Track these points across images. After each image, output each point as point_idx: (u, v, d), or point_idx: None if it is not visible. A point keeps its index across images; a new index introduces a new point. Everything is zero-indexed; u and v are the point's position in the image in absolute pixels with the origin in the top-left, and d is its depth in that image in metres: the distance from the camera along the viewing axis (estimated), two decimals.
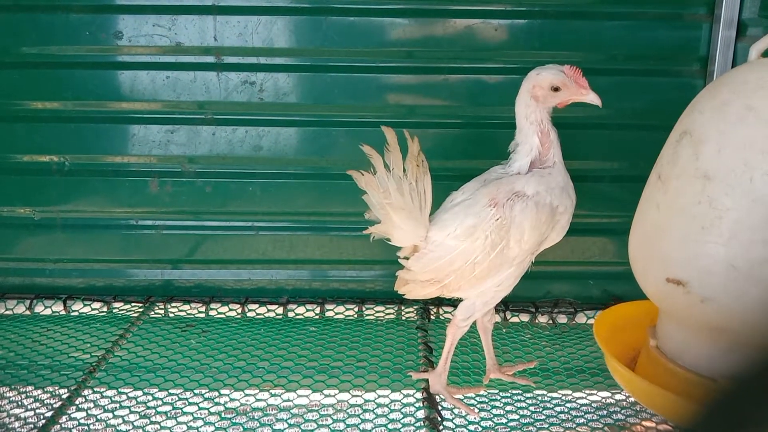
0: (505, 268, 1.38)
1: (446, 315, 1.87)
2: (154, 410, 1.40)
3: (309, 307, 1.92)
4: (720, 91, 1.19)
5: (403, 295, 1.45)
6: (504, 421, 1.37)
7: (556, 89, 1.35)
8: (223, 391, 1.49)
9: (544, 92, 1.36)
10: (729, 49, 1.75)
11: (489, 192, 1.37)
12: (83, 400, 1.44)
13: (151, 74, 1.81)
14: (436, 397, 1.43)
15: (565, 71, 1.36)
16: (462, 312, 1.44)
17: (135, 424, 1.35)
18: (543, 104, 1.37)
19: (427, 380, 1.48)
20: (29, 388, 1.50)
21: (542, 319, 1.87)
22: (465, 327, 1.45)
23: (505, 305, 1.89)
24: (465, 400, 1.44)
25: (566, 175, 1.40)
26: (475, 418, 1.38)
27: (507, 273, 1.39)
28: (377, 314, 1.89)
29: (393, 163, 1.33)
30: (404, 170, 1.34)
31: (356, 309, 1.91)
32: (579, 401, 1.46)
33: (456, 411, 1.40)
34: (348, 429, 1.34)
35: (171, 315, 1.90)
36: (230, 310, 1.92)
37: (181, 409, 1.41)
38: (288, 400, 1.46)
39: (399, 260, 1.44)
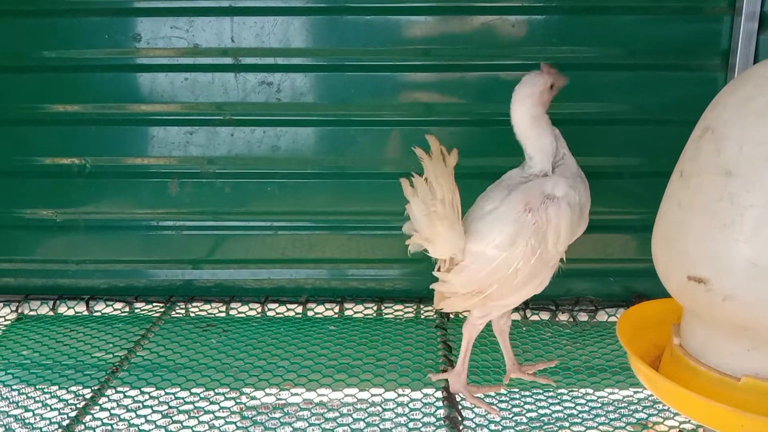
0: (545, 271, 1.39)
1: (465, 313, 1.85)
2: (176, 409, 1.42)
3: (328, 306, 1.93)
4: (743, 86, 1.17)
5: (442, 309, 1.43)
6: (524, 420, 1.37)
7: (551, 86, 1.40)
8: (244, 390, 1.50)
9: (547, 94, 1.40)
10: (751, 42, 1.72)
11: (522, 198, 1.35)
12: (106, 399, 1.46)
13: (169, 76, 1.83)
14: (457, 396, 1.42)
15: (543, 69, 1.41)
16: (479, 311, 1.43)
17: (157, 423, 1.36)
18: (545, 107, 1.40)
19: (446, 380, 1.47)
20: (54, 387, 1.52)
21: (563, 318, 1.86)
22: (480, 325, 1.45)
23: (525, 304, 1.87)
24: (485, 399, 1.43)
25: (576, 164, 1.43)
26: (496, 417, 1.37)
27: (544, 275, 1.40)
28: (396, 313, 1.89)
29: (436, 172, 1.30)
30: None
31: (375, 308, 1.91)
32: (601, 400, 1.45)
33: (477, 410, 1.39)
34: (368, 428, 1.34)
35: (192, 315, 1.91)
36: (250, 309, 1.93)
37: (203, 408, 1.43)
38: (308, 399, 1.46)
39: (434, 274, 1.41)
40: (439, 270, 1.40)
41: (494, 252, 1.34)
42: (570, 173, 1.40)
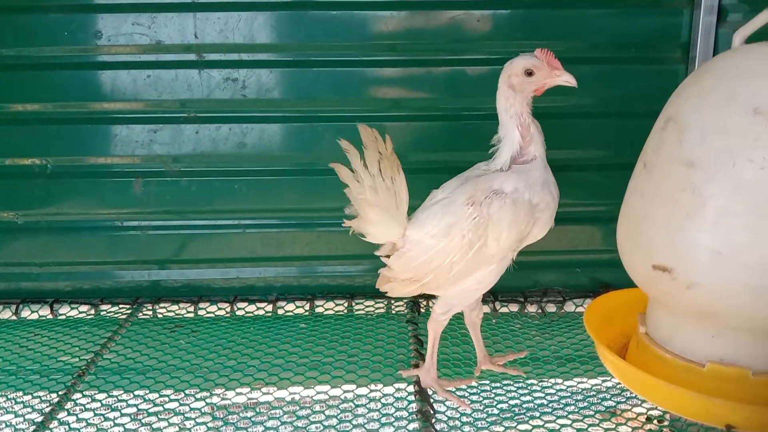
0: (484, 267, 1.37)
1: None
2: (145, 412, 1.39)
3: (299, 303, 1.92)
4: (703, 78, 1.19)
5: (386, 293, 1.45)
6: (496, 411, 1.38)
7: (529, 73, 1.34)
8: (214, 391, 1.48)
9: (520, 79, 1.34)
10: (710, 35, 1.76)
11: (467, 190, 1.36)
12: (73, 404, 1.43)
13: (132, 73, 1.79)
14: (428, 390, 1.43)
15: (537, 54, 1.34)
16: (440, 306, 1.44)
17: (126, 426, 1.34)
18: (521, 93, 1.35)
19: (417, 376, 1.48)
20: (18, 393, 1.48)
21: (531, 309, 1.88)
22: (444, 321, 1.45)
23: (494, 296, 1.89)
24: (456, 392, 1.44)
25: (547, 170, 1.38)
26: (466, 410, 1.38)
27: (487, 271, 1.38)
28: (367, 309, 1.89)
29: (368, 160, 1.33)
30: (379, 169, 1.34)
31: (346, 304, 1.91)
32: (570, 389, 1.47)
33: (448, 403, 1.40)
34: (341, 424, 1.34)
35: (159, 316, 1.89)
36: (219, 309, 1.91)
37: (173, 409, 1.40)
38: (280, 398, 1.46)
39: (381, 259, 1.44)
40: (388, 256, 1.42)
41: (431, 241, 1.36)
42: (535, 174, 1.35)
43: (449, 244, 1.34)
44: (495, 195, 1.32)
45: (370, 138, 1.33)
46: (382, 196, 1.35)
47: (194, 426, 1.35)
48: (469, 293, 1.43)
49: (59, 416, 1.38)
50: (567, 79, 1.34)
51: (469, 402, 1.41)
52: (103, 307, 1.91)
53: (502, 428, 1.32)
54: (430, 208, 1.40)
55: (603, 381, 1.49)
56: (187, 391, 1.47)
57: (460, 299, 1.44)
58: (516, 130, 1.36)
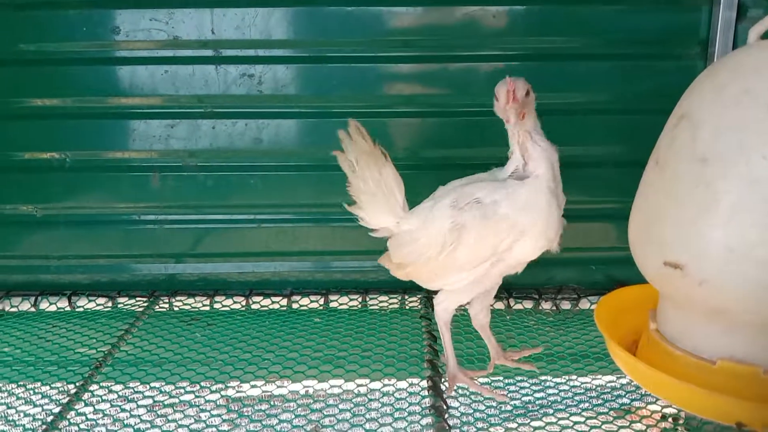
0: (455, 273, 1.38)
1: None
2: (161, 403, 1.41)
3: (313, 298, 1.93)
4: (718, 74, 1.18)
5: (389, 270, 1.54)
6: (509, 407, 1.38)
7: (496, 98, 1.29)
8: (229, 383, 1.50)
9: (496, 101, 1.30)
10: (729, 31, 1.74)
11: (456, 194, 1.37)
12: (90, 395, 1.45)
13: (149, 69, 1.81)
14: (442, 385, 1.43)
15: (507, 83, 1.26)
16: (437, 297, 1.48)
17: (142, 417, 1.36)
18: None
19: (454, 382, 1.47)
20: (36, 384, 1.50)
21: (546, 306, 1.87)
22: (444, 313, 1.46)
23: (508, 292, 1.89)
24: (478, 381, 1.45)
25: (542, 192, 1.30)
26: (503, 399, 1.39)
27: (458, 277, 1.39)
28: (381, 304, 1.90)
29: (353, 154, 1.44)
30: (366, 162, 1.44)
31: (360, 299, 1.92)
32: (584, 386, 1.47)
33: (461, 399, 1.40)
34: (354, 417, 1.34)
35: (176, 309, 1.91)
36: (234, 302, 1.92)
37: (188, 401, 1.42)
38: (294, 391, 1.47)
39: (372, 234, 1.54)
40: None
41: (415, 234, 1.42)
42: (522, 192, 1.30)
43: (427, 241, 1.38)
44: (475, 203, 1.32)
45: (355, 133, 1.43)
46: (372, 185, 1.44)
47: (209, 418, 1.36)
48: (453, 294, 1.44)
49: (76, 407, 1.40)
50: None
51: (501, 391, 1.43)
52: (121, 299, 1.93)
53: (516, 424, 1.31)
54: (424, 203, 1.45)
55: (618, 378, 1.48)
56: (202, 383, 1.49)
57: (446, 296, 1.46)
58: (516, 146, 1.34)
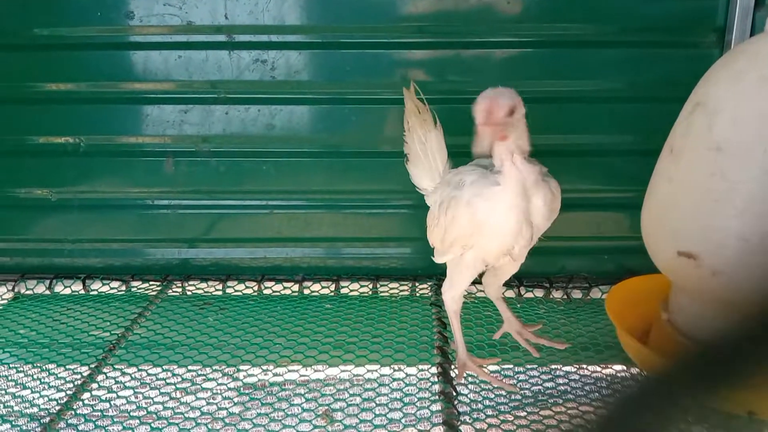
0: (443, 248, 1.43)
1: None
2: (173, 387, 1.43)
3: (324, 284, 1.94)
4: (735, 62, 1.17)
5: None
6: (518, 396, 1.38)
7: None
8: (241, 367, 1.51)
9: None
10: (747, 19, 1.72)
11: (452, 177, 1.42)
12: (104, 377, 1.47)
13: (163, 54, 1.81)
14: (452, 372, 1.44)
15: (485, 100, 1.21)
16: (443, 286, 1.50)
17: (155, 400, 1.37)
18: None
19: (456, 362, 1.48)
20: (51, 366, 1.53)
21: (557, 295, 1.87)
22: (452, 302, 1.47)
23: (519, 281, 1.89)
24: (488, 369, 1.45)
25: (503, 202, 1.26)
26: (513, 390, 1.39)
27: (447, 257, 1.45)
28: (392, 291, 1.90)
29: (406, 115, 1.58)
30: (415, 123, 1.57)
31: (371, 286, 1.92)
32: (594, 375, 1.47)
33: (471, 386, 1.41)
34: (364, 402, 1.35)
35: (188, 293, 1.92)
36: (247, 287, 1.93)
37: (200, 385, 1.44)
38: (305, 375, 1.48)
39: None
40: None
41: (431, 202, 1.53)
42: (484, 184, 1.28)
43: (432, 211, 1.48)
44: (458, 185, 1.36)
45: (408, 94, 1.57)
46: (417, 146, 1.57)
47: (221, 401, 1.38)
48: (451, 278, 1.47)
49: (90, 389, 1.42)
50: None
51: (510, 381, 1.43)
52: (134, 283, 1.95)
53: (525, 413, 1.31)
54: (448, 174, 1.49)
55: (628, 367, 1.48)
56: (214, 367, 1.51)
57: (449, 283, 1.47)
58: (495, 159, 1.30)
